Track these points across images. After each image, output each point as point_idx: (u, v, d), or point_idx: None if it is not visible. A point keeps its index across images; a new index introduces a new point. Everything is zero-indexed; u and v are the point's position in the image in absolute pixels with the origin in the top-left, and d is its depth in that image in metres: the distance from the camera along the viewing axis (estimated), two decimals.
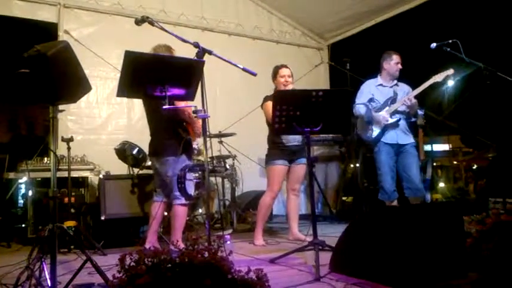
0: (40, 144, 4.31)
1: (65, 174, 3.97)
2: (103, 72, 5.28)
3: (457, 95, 5.62)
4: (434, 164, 5.53)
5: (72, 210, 4.06)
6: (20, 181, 4.31)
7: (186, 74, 2.69)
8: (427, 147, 5.05)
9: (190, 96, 2.78)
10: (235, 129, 5.37)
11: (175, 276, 1.73)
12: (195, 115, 2.71)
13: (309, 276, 2.66)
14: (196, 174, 4.50)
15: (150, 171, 4.02)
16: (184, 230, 3.61)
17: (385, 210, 3.75)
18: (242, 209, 5.32)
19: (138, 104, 5.23)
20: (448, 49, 3.55)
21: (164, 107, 2.64)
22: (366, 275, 2.48)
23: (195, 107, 2.70)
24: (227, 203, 5.40)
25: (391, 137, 4.24)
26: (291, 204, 4.21)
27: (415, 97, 4.20)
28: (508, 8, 5.46)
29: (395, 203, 4.22)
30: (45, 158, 4.30)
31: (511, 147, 4.83)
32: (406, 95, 4.26)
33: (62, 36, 5.07)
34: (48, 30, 5.13)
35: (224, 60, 2.87)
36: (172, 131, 3.41)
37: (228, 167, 5.16)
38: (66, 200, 4.03)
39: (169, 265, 1.78)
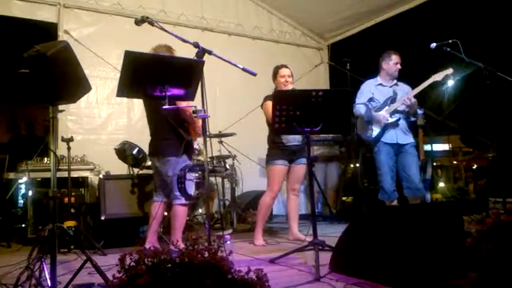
0: (40, 144, 4.31)
1: (65, 174, 3.98)
2: (103, 72, 5.28)
3: (457, 95, 5.62)
4: (434, 163, 5.53)
5: (72, 210, 4.06)
6: (20, 181, 4.31)
7: (186, 74, 2.69)
8: (427, 147, 5.05)
9: (190, 96, 2.78)
10: (235, 129, 5.37)
11: (175, 276, 1.73)
12: (195, 115, 2.71)
13: (309, 276, 2.66)
14: (196, 174, 4.50)
15: (150, 171, 4.01)
16: (184, 230, 3.61)
17: (385, 210, 3.74)
18: (242, 209, 5.32)
19: (138, 104, 5.24)
20: (448, 49, 3.56)
21: (164, 107, 2.64)
22: (365, 275, 2.48)
23: (195, 107, 2.70)
24: (227, 203, 5.40)
25: (390, 136, 4.24)
26: (291, 204, 4.21)
27: (415, 96, 4.21)
28: (508, 8, 5.46)
29: (395, 203, 4.22)
30: (45, 158, 4.30)
31: (511, 147, 4.83)
32: (406, 94, 4.26)
33: (61, 36, 5.07)
34: (48, 30, 5.13)
35: (224, 60, 2.87)
36: (173, 131, 3.41)
37: (228, 167, 5.16)
38: (66, 200, 4.03)
39: (169, 265, 1.78)
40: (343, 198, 5.89)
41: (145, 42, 3.44)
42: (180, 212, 3.49)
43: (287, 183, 4.21)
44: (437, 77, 4.11)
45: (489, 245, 2.48)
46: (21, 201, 4.43)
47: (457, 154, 6.68)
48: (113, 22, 5.43)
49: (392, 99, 4.28)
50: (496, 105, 3.87)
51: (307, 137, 3.15)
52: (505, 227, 2.52)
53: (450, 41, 3.54)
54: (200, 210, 5.13)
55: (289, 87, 4.01)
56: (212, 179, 5.12)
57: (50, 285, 2.23)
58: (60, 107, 2.54)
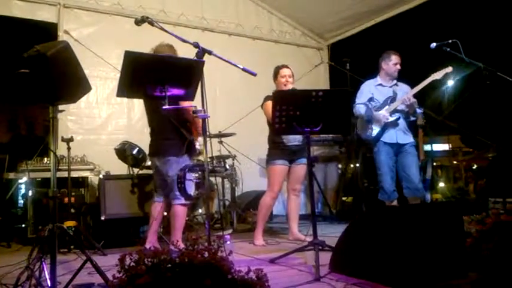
0: (40, 144, 4.31)
1: (65, 174, 3.97)
2: (103, 72, 5.28)
3: (456, 95, 5.63)
4: (434, 163, 5.54)
5: (72, 210, 4.06)
6: (20, 181, 4.31)
7: (186, 74, 2.70)
8: (427, 147, 5.06)
9: (190, 96, 2.78)
10: (235, 129, 5.37)
11: (175, 276, 1.73)
12: (194, 115, 2.71)
13: (309, 276, 2.66)
14: (196, 174, 4.50)
15: (150, 171, 4.01)
16: (184, 230, 3.61)
17: (385, 210, 3.74)
18: (242, 209, 5.32)
19: (138, 104, 5.24)
20: (448, 49, 3.55)
21: (164, 107, 2.64)
22: (365, 275, 2.48)
23: (195, 107, 2.70)
24: (227, 203, 5.40)
25: (390, 136, 4.24)
26: (292, 204, 4.20)
27: (415, 96, 4.21)
28: (508, 8, 5.46)
29: (395, 203, 4.22)
30: (45, 158, 4.30)
31: (511, 147, 4.83)
32: (406, 94, 4.26)
33: (61, 36, 5.07)
34: (48, 30, 5.13)
35: (224, 60, 2.87)
36: (175, 131, 3.40)
37: (228, 167, 5.16)
38: (66, 200, 4.04)
39: (169, 265, 1.78)
40: (343, 198, 5.90)
41: (145, 42, 3.44)
42: (180, 212, 3.49)
43: (287, 183, 4.21)
44: (436, 75, 4.11)
45: (489, 245, 2.48)
46: (21, 201, 4.44)
47: (457, 154, 6.69)
48: (113, 22, 5.43)
49: (392, 99, 4.28)
50: (496, 105, 3.87)
51: (307, 137, 3.15)
52: (505, 227, 2.52)
53: (450, 41, 3.54)
54: (200, 210, 5.13)
55: (289, 87, 4.01)
56: (212, 179, 5.11)
57: (49, 285, 2.23)
58: (60, 107, 2.54)
